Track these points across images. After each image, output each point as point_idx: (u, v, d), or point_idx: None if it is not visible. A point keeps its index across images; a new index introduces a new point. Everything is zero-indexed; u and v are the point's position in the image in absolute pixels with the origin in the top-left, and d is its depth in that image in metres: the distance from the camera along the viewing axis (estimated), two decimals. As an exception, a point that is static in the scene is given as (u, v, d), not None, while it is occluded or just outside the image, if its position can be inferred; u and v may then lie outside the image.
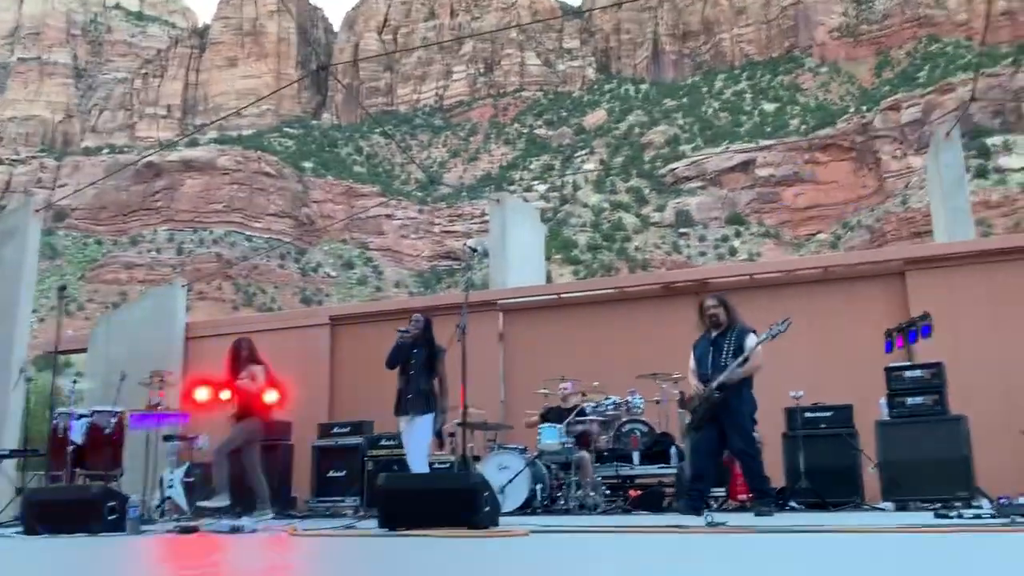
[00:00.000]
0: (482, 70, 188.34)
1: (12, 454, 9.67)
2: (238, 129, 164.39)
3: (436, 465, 8.94)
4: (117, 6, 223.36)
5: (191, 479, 10.09)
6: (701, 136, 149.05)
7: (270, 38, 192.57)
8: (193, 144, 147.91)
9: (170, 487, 8.29)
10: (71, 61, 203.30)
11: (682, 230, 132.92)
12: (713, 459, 6.88)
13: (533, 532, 4.10)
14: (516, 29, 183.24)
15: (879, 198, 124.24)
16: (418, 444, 7.32)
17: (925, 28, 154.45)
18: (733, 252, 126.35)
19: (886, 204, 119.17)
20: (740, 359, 6.71)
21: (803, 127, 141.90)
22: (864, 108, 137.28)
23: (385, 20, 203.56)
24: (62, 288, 8.70)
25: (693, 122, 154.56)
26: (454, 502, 4.44)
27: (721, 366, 6.77)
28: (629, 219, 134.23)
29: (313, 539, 4.32)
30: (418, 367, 7.56)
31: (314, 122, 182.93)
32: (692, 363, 7.16)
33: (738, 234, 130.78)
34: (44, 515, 5.50)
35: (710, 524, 4.37)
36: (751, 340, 6.81)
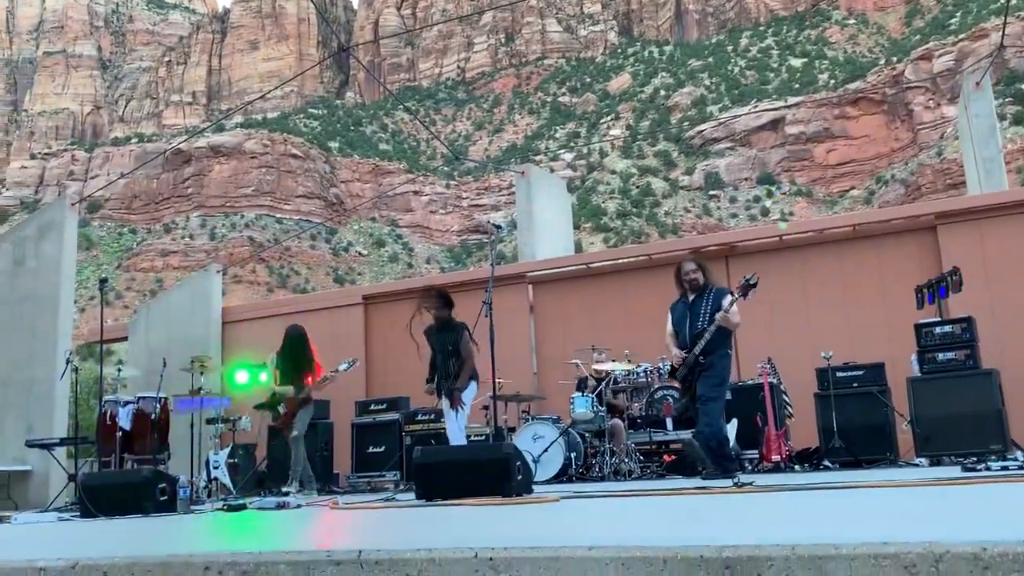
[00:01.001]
0: (503, 40, 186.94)
1: (63, 442, 10.01)
2: (263, 112, 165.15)
3: (472, 438, 9.09)
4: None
5: (234, 460, 10.36)
6: (728, 96, 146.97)
7: (290, 19, 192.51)
8: (220, 129, 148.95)
9: (215, 468, 8.52)
10: (96, 53, 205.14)
11: (712, 192, 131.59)
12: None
13: (563, 498, 4.23)
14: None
15: (913, 151, 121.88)
16: (455, 422, 7.36)
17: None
18: (765, 212, 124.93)
19: (920, 156, 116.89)
20: (719, 315, 6.65)
21: (832, 82, 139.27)
22: (895, 59, 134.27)
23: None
24: (103, 280, 8.89)
25: (719, 82, 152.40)
26: (487, 472, 4.56)
27: (697, 331, 6.72)
28: (658, 184, 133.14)
29: (354, 511, 4.48)
30: (443, 350, 7.55)
31: (338, 102, 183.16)
32: (669, 327, 7.10)
33: (769, 194, 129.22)
34: (100, 498, 5.74)
35: (737, 484, 4.44)
36: (727, 301, 6.74)
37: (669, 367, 7.30)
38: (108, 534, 3.82)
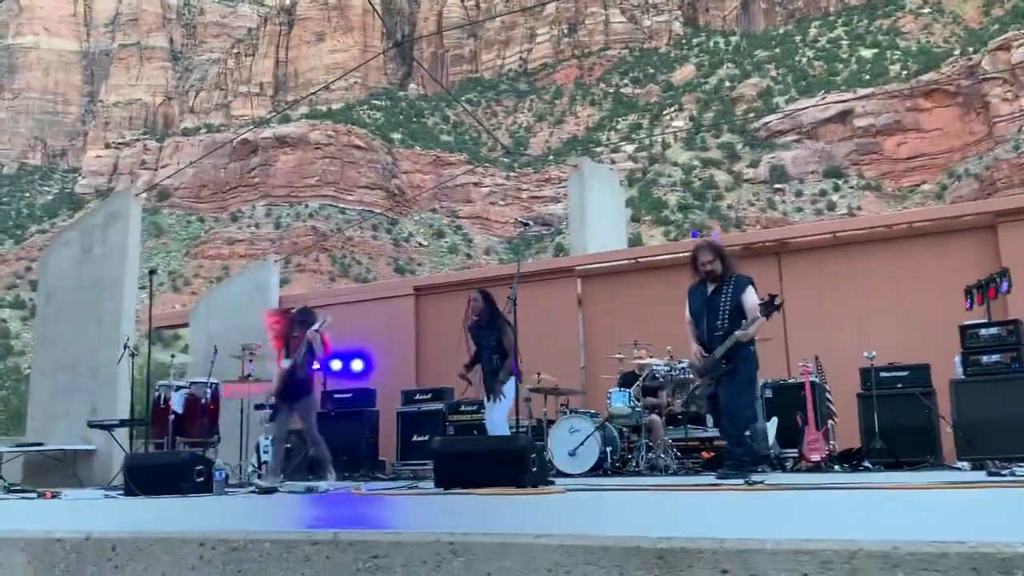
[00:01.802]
0: (566, 31, 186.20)
1: (123, 423, 10.44)
2: (328, 103, 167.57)
3: (513, 428, 9.20)
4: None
5: (288, 445, 10.65)
6: (795, 87, 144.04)
7: (355, 11, 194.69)
8: (285, 120, 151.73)
9: (265, 452, 8.78)
10: (168, 45, 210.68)
11: (777, 186, 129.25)
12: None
13: (569, 490, 4.33)
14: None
15: (988, 144, 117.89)
16: (500, 416, 7.50)
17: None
18: (832, 207, 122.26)
19: (996, 150, 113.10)
20: (739, 332, 6.35)
21: (904, 73, 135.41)
22: (971, 50, 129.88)
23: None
24: (151, 271, 9.25)
25: (786, 73, 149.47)
26: (503, 464, 4.71)
27: (717, 328, 6.45)
28: (721, 176, 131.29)
29: (373, 497, 4.65)
30: (488, 347, 7.72)
31: (401, 93, 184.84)
32: (687, 314, 6.81)
33: (836, 188, 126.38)
34: (142, 479, 6.05)
35: (748, 483, 4.44)
36: (750, 296, 6.46)
37: (687, 363, 7.17)
38: (138, 511, 4.06)
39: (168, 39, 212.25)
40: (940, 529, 2.09)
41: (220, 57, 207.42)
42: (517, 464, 4.55)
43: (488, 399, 7.61)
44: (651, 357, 8.49)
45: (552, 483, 5.06)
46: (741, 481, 4.77)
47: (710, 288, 6.68)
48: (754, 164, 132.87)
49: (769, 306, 6.40)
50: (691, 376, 8.49)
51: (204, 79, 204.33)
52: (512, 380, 7.49)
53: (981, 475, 4.98)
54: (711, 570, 1.73)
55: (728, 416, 6.44)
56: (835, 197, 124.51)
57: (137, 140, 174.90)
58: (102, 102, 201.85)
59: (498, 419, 7.50)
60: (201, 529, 2.33)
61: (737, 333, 6.32)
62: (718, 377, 6.32)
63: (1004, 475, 4.57)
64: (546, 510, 3.24)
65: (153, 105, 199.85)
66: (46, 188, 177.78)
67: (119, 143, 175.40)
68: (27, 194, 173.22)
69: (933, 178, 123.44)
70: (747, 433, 6.32)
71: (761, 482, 4.53)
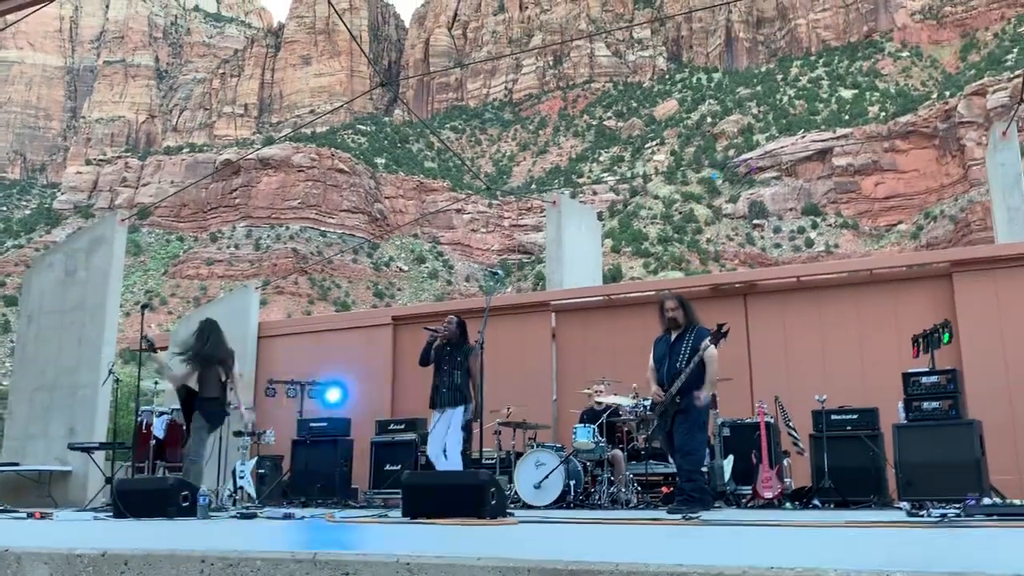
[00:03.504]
0: (551, 63, 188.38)
1: (102, 446, 10.60)
2: (312, 126, 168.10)
3: (484, 460, 9.46)
4: (196, 8, 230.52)
5: (263, 471, 10.86)
6: (776, 125, 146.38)
7: (343, 36, 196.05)
8: (269, 142, 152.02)
9: (241, 478, 9.01)
10: (153, 63, 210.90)
11: (756, 222, 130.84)
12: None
13: (523, 522, 4.69)
14: (585, 20, 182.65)
15: (963, 187, 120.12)
16: (454, 433, 7.71)
17: (1014, 8, 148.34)
18: (810, 244, 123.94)
19: (971, 193, 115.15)
20: (693, 363, 6.83)
21: (883, 114, 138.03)
22: (947, 94, 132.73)
23: (455, 15, 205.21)
24: (144, 306, 9.48)
25: (767, 111, 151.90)
26: (465, 496, 5.10)
27: (676, 369, 6.91)
28: (701, 211, 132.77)
29: (345, 524, 4.96)
30: (452, 364, 8.01)
31: (386, 119, 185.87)
32: (651, 362, 7.31)
33: (815, 225, 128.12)
34: (130, 501, 6.33)
35: (685, 518, 4.78)
36: (704, 343, 6.92)
37: (650, 403, 7.56)
38: (134, 532, 4.35)
39: (154, 57, 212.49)
40: (796, 557, 2.43)
41: (205, 77, 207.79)
42: (478, 497, 4.90)
43: (436, 408, 7.84)
44: (615, 394, 8.82)
45: (510, 515, 5.39)
46: (680, 516, 5.11)
47: (673, 335, 7.16)
48: (734, 199, 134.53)
49: (717, 335, 6.92)
50: (653, 414, 8.84)
51: (188, 98, 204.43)
52: (461, 409, 7.77)
53: (900, 515, 5.35)
54: None
55: (682, 454, 6.85)
56: (813, 234, 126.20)
57: (119, 157, 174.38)
58: (84, 118, 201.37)
59: (453, 444, 7.65)
60: (201, 548, 2.63)
61: (698, 393, 6.77)
62: (673, 415, 6.75)
63: (921, 515, 4.94)
64: (497, 538, 3.57)
65: (136, 123, 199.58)
66: (24, 203, 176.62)
67: (100, 160, 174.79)
68: (4, 208, 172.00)
69: (909, 218, 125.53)
70: (703, 470, 6.71)
71: (698, 517, 4.86)
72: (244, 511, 6.67)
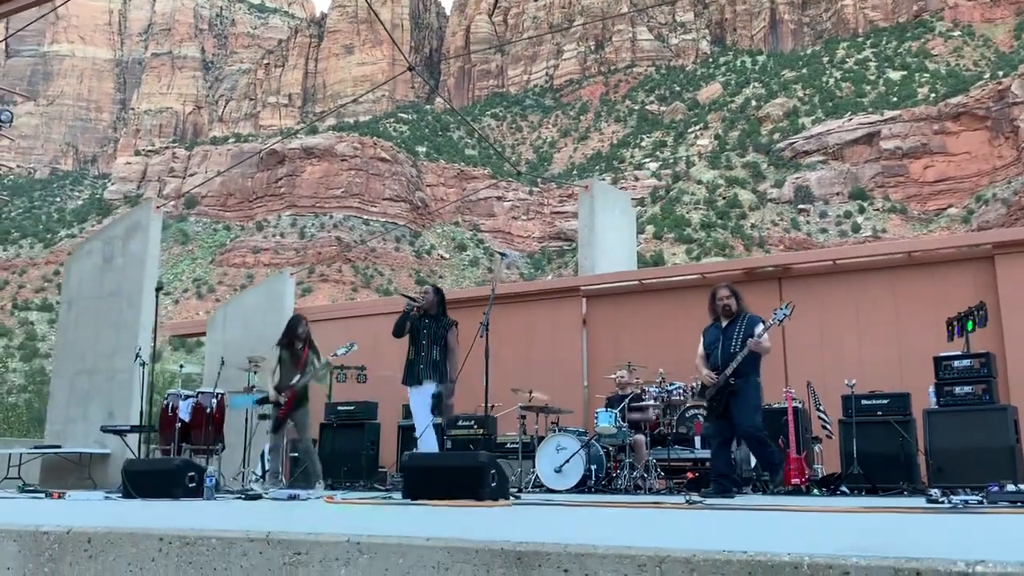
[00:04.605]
0: (592, 48, 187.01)
1: (132, 429, 10.81)
2: (355, 116, 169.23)
3: (508, 444, 9.45)
4: None
5: (295, 454, 10.97)
6: (822, 108, 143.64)
7: (384, 24, 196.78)
8: (313, 131, 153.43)
9: (269, 460, 9.10)
10: (199, 55, 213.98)
11: (801, 206, 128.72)
12: (727, 448, 7.07)
13: (517, 504, 4.66)
14: (627, 3, 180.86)
15: (1017, 169, 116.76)
16: (425, 410, 7.46)
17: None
18: (856, 229, 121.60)
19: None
20: (751, 341, 6.97)
21: (932, 96, 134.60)
22: (1000, 73, 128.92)
23: (495, 2, 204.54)
24: (159, 288, 9.63)
25: (813, 93, 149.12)
26: (465, 478, 5.05)
27: (730, 355, 7.01)
28: (745, 195, 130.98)
29: (344, 505, 4.98)
30: (429, 338, 7.62)
31: (427, 107, 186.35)
32: (700, 349, 7.41)
33: (862, 210, 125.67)
34: (137, 483, 6.42)
35: (688, 502, 4.69)
36: (759, 328, 7.08)
37: (700, 386, 7.53)
38: (124, 511, 4.42)
39: (200, 49, 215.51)
40: (786, 542, 2.36)
41: (250, 68, 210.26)
42: (477, 479, 4.86)
43: (413, 385, 7.55)
44: (637, 379, 8.73)
45: (515, 496, 5.34)
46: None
47: (724, 323, 7.26)
48: (779, 184, 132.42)
49: (781, 315, 7.05)
50: (681, 398, 8.73)
51: (234, 89, 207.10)
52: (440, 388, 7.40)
53: (921, 501, 5.20)
54: (555, 569, 2.05)
55: (745, 434, 6.98)
56: (860, 219, 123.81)
57: (166, 148, 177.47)
58: (133, 110, 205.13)
59: (423, 421, 7.43)
60: (163, 527, 2.65)
61: (750, 342, 6.93)
62: (727, 398, 6.77)
63: (941, 502, 4.78)
64: (473, 520, 3.55)
65: (183, 114, 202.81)
66: (76, 193, 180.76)
67: (149, 150, 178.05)
68: (58, 199, 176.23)
69: (960, 202, 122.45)
70: (767, 443, 6.98)
71: (701, 502, 4.78)
72: (249, 492, 6.73)
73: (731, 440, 7.02)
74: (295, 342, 8.60)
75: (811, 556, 1.81)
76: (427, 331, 7.65)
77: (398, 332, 7.78)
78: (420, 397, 7.50)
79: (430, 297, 7.77)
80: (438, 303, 7.78)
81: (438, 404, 7.51)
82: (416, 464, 5.27)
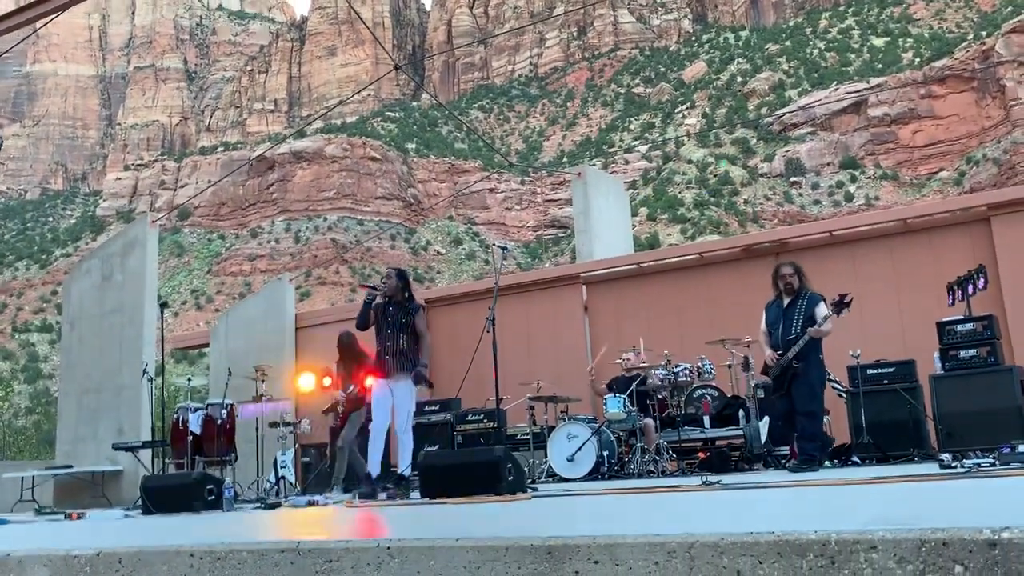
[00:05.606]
0: (575, 34, 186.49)
1: (145, 445, 10.84)
2: (342, 116, 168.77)
3: (519, 436, 9.49)
4: (220, 7, 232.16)
5: (307, 459, 11.02)
6: (808, 79, 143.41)
7: (366, 23, 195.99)
8: (301, 135, 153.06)
9: (283, 467, 9.15)
10: (182, 65, 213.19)
11: (793, 179, 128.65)
12: (791, 423, 7.18)
13: (536, 497, 4.68)
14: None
15: (1006, 128, 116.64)
16: (403, 405, 6.90)
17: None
18: (849, 198, 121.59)
19: (1014, 134, 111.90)
20: (812, 330, 7.04)
21: (917, 60, 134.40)
22: (984, 33, 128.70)
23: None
24: (163, 304, 9.65)
25: (798, 65, 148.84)
26: (481, 474, 5.03)
27: (791, 336, 7.08)
28: (736, 172, 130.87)
29: (364, 508, 5.01)
30: (395, 326, 7.09)
31: (413, 103, 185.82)
32: (763, 326, 7.49)
33: (853, 179, 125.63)
34: (157, 498, 6.44)
35: (705, 483, 4.72)
36: (821, 309, 7.13)
37: (744, 360, 7.71)
38: (149, 528, 4.46)
39: (182, 60, 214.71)
40: (810, 520, 2.39)
41: (234, 75, 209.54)
42: (493, 474, 4.87)
43: (391, 378, 6.93)
44: (643, 362, 8.76)
45: (532, 489, 5.37)
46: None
47: (785, 301, 7.35)
48: (769, 158, 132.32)
49: (839, 305, 7.09)
50: (689, 379, 8.77)
51: (219, 98, 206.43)
52: (411, 380, 6.91)
53: (935, 467, 5.24)
54: (585, 561, 2.07)
55: (803, 414, 7.04)
56: (852, 188, 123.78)
57: (155, 161, 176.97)
58: (120, 125, 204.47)
59: (403, 416, 6.86)
60: (192, 543, 2.67)
61: (810, 330, 7.02)
62: (789, 379, 6.85)
63: (954, 466, 4.83)
64: (495, 516, 3.58)
65: (170, 125, 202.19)
66: (68, 212, 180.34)
67: (138, 164, 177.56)
68: (50, 219, 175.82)
69: (951, 165, 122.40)
70: (815, 436, 7.06)
71: (718, 482, 4.82)
72: (268, 502, 6.76)
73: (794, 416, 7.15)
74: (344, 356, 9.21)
75: (838, 532, 1.84)
76: (391, 319, 7.10)
77: (362, 324, 7.26)
78: (393, 391, 6.90)
79: (392, 282, 7.24)
80: (402, 288, 7.25)
81: (420, 381, 7.06)
82: (431, 463, 5.29)
